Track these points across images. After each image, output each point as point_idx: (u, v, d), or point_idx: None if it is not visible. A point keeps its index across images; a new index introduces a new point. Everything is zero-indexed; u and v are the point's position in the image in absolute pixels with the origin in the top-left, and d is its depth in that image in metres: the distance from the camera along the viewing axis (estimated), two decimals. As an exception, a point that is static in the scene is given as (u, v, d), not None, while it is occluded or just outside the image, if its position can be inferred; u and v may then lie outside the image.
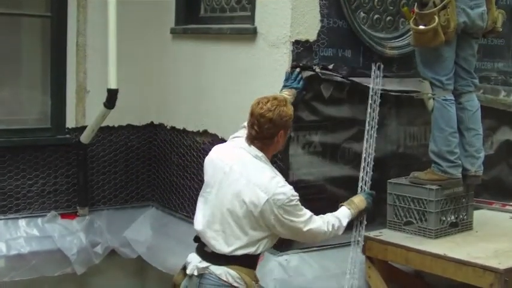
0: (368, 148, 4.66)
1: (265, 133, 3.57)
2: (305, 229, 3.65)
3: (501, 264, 4.16)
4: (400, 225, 4.80)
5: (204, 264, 3.65)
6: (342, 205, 4.09)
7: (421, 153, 5.31)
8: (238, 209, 3.55)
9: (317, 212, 3.84)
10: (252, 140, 3.61)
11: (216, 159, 3.72)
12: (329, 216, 3.86)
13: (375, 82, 4.84)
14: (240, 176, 3.57)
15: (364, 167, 4.59)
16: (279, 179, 3.60)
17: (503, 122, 6.04)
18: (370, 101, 4.75)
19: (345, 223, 3.93)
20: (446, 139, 4.65)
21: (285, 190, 3.54)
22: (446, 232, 4.76)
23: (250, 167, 3.58)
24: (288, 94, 4.44)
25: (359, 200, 4.17)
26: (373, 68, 4.89)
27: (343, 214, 3.97)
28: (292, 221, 3.59)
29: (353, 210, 4.05)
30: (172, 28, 5.81)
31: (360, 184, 4.52)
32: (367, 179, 4.55)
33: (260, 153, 3.61)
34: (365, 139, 4.69)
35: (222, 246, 3.60)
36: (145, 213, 6.12)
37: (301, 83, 4.54)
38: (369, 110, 4.73)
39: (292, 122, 3.77)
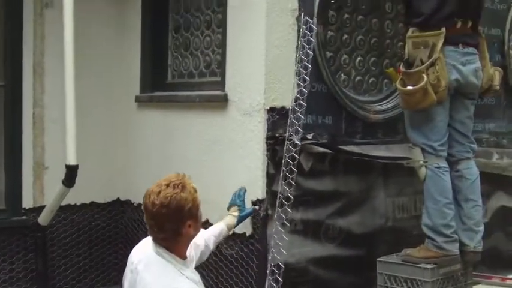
0: None
1: (169, 232, 2.93)
2: None
3: None
4: (393, 309, 4.55)
5: None
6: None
7: (412, 226, 5.08)
8: None
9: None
10: (155, 240, 3.02)
11: (130, 257, 3.15)
12: None
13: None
14: (140, 279, 2.99)
15: None
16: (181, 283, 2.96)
17: (498, 187, 5.77)
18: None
19: None
20: (441, 211, 4.34)
21: None
22: (444, 316, 4.49)
23: (152, 267, 2.99)
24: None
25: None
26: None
27: None
28: None
29: None
30: (137, 96, 5.60)
31: None
32: None
33: (161, 249, 2.98)
34: None
35: None
36: (114, 298, 5.83)
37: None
38: None
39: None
